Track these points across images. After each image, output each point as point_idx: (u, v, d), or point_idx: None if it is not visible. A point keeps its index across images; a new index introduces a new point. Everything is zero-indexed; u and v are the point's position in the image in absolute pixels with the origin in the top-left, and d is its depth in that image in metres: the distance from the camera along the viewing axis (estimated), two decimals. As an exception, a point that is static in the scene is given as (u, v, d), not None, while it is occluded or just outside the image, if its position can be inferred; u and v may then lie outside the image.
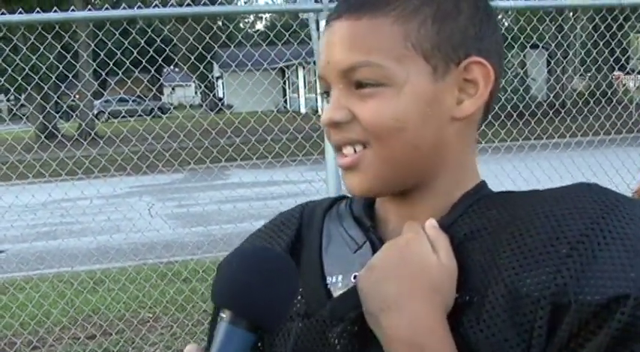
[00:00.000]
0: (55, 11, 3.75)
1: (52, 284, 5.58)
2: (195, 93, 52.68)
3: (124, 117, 5.49)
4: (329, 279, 0.88)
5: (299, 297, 0.87)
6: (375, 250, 0.83)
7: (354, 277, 0.84)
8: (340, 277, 0.87)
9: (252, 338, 0.72)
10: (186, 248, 6.38)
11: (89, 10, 4.05)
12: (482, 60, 0.80)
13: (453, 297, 0.76)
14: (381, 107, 0.78)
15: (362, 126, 0.79)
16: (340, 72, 0.80)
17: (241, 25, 51.44)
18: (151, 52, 4.59)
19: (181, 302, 5.20)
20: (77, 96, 20.67)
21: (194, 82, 46.97)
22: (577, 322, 0.68)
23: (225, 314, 0.72)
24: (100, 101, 26.13)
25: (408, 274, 0.76)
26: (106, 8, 4.71)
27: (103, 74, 4.85)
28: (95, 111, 22.05)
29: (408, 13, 0.78)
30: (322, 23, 3.54)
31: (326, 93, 0.84)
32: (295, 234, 0.95)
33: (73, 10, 3.92)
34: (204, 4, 4.09)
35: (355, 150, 0.81)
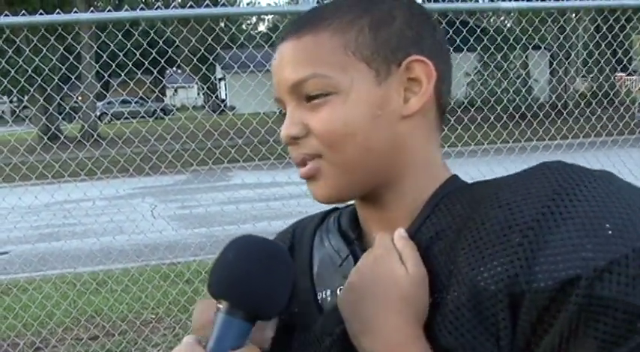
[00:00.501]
0: (58, 13, 3.77)
1: (55, 286, 5.59)
2: (198, 94, 52.74)
3: (126, 118, 5.49)
4: (319, 295, 0.91)
5: (295, 310, 0.90)
6: (357, 263, 0.85)
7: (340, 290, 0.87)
8: (329, 292, 0.91)
9: (249, 327, 0.73)
10: (189, 249, 6.39)
11: (92, 11, 4.04)
12: (420, 58, 0.83)
13: (426, 305, 0.77)
14: (331, 115, 0.82)
15: (315, 137, 0.83)
16: (289, 88, 0.84)
17: (244, 26, 51.45)
18: (154, 53, 4.60)
19: (184, 303, 5.20)
20: (80, 97, 20.72)
21: (197, 83, 47.04)
22: (534, 310, 0.68)
23: (222, 305, 0.73)
24: (102, 102, 26.18)
25: (380, 292, 0.78)
26: (109, 10, 4.75)
27: (106, 76, 4.87)
28: (98, 113, 22.13)
29: (345, 25, 0.83)
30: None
31: (284, 115, 0.88)
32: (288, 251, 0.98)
33: (75, 11, 3.92)
34: (207, 5, 4.09)
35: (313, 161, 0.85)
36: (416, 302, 0.77)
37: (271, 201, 6.48)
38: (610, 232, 0.67)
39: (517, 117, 5.50)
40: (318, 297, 0.91)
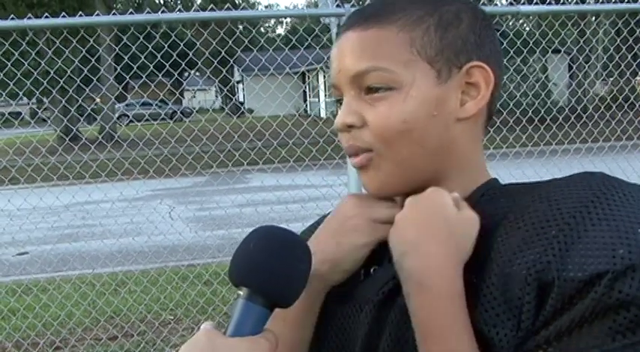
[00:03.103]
0: (80, 15, 3.80)
1: (75, 286, 5.64)
2: (216, 97, 52.93)
3: (147, 120, 5.55)
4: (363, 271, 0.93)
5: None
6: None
7: (374, 270, 0.92)
8: (362, 271, 0.93)
9: (268, 314, 0.75)
10: (208, 251, 6.41)
11: (114, 14, 4.07)
12: (482, 64, 0.86)
13: (470, 249, 0.80)
14: (390, 111, 0.83)
15: (371, 131, 0.85)
16: (351, 78, 0.86)
17: (262, 29, 51.60)
18: (175, 56, 4.63)
19: (203, 304, 5.22)
20: (100, 99, 20.87)
21: (216, 85, 47.21)
22: (561, 297, 0.71)
23: (242, 292, 0.75)
24: (122, 104, 26.38)
25: (425, 219, 0.82)
26: (130, 12, 4.78)
27: (127, 78, 4.90)
28: (117, 115, 22.28)
29: (412, 22, 0.84)
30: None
31: (339, 101, 0.90)
32: None
33: (98, 14, 3.95)
34: (227, 8, 4.12)
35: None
36: (459, 239, 0.80)
37: (290, 203, 6.48)
38: None
39: (537, 120, 5.47)
40: (361, 272, 0.93)
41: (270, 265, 0.75)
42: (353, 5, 3.74)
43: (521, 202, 0.81)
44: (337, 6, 3.86)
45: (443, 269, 0.78)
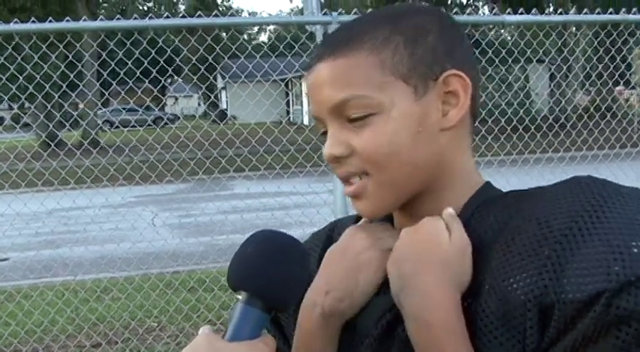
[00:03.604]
0: (67, 21, 3.78)
1: (58, 293, 5.60)
2: (199, 104, 52.83)
3: (125, 126, 5.53)
4: None
5: None
6: None
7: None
8: None
9: (266, 318, 0.76)
10: (193, 257, 6.40)
11: (100, 19, 4.05)
12: (457, 71, 0.85)
13: (468, 275, 0.80)
14: (375, 135, 0.83)
15: (361, 157, 0.85)
16: (330, 110, 0.85)
17: (245, 36, 51.59)
18: (161, 62, 4.63)
19: (187, 311, 5.21)
20: (81, 106, 20.74)
21: (198, 92, 47.11)
22: (563, 319, 0.71)
23: (241, 296, 0.75)
24: (103, 110, 26.24)
25: (420, 252, 0.82)
26: (118, 18, 4.73)
27: (114, 83, 4.87)
28: (99, 120, 22.14)
29: (379, 44, 0.84)
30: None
31: (324, 133, 0.89)
32: (326, 247, 1.00)
33: (85, 19, 3.92)
34: (215, 15, 4.11)
35: (360, 178, 0.87)
36: (456, 269, 0.80)
37: (276, 210, 6.49)
38: (636, 250, 0.70)
39: (520, 129, 5.51)
40: None
41: (268, 269, 0.75)
42: (340, 13, 3.75)
43: (510, 221, 0.80)
44: (324, 14, 3.88)
45: (442, 304, 0.78)
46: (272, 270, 0.75)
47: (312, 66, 0.88)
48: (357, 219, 1.04)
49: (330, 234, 1.06)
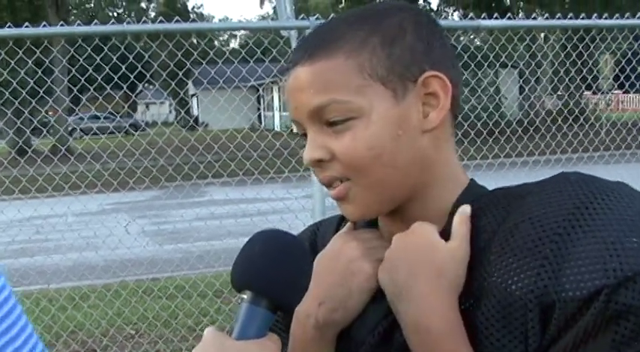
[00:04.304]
0: (44, 26, 3.75)
1: (36, 301, 5.59)
2: (170, 111, 52.54)
3: (96, 134, 5.52)
4: None
5: None
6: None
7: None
8: None
9: (271, 317, 0.76)
10: (171, 264, 6.42)
11: (62, 25, 4.03)
12: (436, 73, 0.84)
13: (462, 281, 0.81)
14: (355, 140, 0.82)
15: (341, 162, 0.84)
16: (309, 114, 0.85)
17: (216, 43, 51.54)
18: (140, 68, 4.65)
19: (167, 317, 5.24)
20: (50, 112, 20.54)
21: (167, 99, 46.88)
22: (563, 317, 0.72)
23: (246, 295, 0.76)
24: (73, 118, 25.96)
25: (413, 259, 0.82)
26: (80, 24, 4.66)
27: (76, 91, 4.85)
28: (68, 128, 21.92)
29: (357, 47, 0.83)
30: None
31: (303, 135, 0.89)
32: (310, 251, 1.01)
33: (45, 25, 3.88)
34: (185, 20, 4.13)
35: (342, 181, 0.86)
36: (451, 274, 0.80)
37: (254, 216, 6.50)
38: (636, 245, 0.71)
39: (486, 133, 5.59)
40: None
41: (273, 268, 0.75)
42: (317, 18, 3.73)
43: (506, 222, 0.80)
44: (302, 19, 3.92)
45: (438, 310, 0.78)
46: (276, 269, 0.75)
47: (289, 70, 0.87)
48: (340, 219, 1.04)
49: (313, 238, 1.06)
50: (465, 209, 0.85)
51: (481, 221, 0.84)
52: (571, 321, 0.72)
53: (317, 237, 1.06)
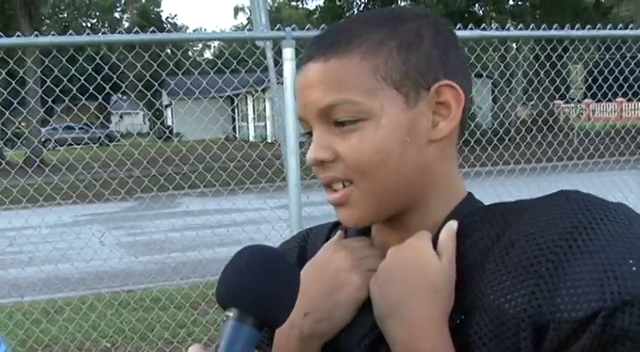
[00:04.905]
0: (18, 36, 3.72)
1: (10, 314, 5.51)
2: (144, 121, 52.30)
3: (70, 144, 5.47)
4: None
5: None
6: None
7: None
8: None
9: (257, 334, 0.74)
10: (148, 275, 6.38)
11: (36, 35, 4.00)
12: (450, 82, 0.83)
13: (452, 300, 0.79)
14: (362, 142, 0.80)
15: (345, 164, 0.82)
16: (318, 112, 0.82)
17: (190, 53, 51.45)
18: (116, 79, 4.63)
19: (143, 330, 5.19)
20: (23, 123, 20.34)
21: (142, 109, 46.66)
22: (557, 338, 0.70)
23: (231, 313, 0.73)
24: (46, 128, 25.71)
25: (408, 277, 0.80)
26: (54, 34, 4.62)
27: (49, 101, 4.83)
28: (42, 139, 21.69)
29: (373, 48, 0.81)
30: (286, 51, 3.63)
31: (308, 133, 0.87)
32: (297, 259, 1.00)
33: (19, 35, 3.85)
34: (160, 31, 4.11)
35: (344, 185, 0.84)
36: (443, 294, 0.78)
37: (231, 226, 6.50)
38: (634, 268, 0.69)
39: (461, 143, 5.64)
40: None
41: (258, 284, 0.74)
42: (293, 29, 3.75)
43: (502, 239, 0.78)
44: (277, 29, 3.93)
45: (429, 332, 0.77)
46: (263, 286, 0.74)
47: (302, 65, 0.85)
48: (332, 227, 1.02)
49: (303, 245, 1.03)
50: (452, 225, 0.84)
51: (474, 236, 0.82)
52: (565, 343, 0.70)
53: (307, 243, 1.03)
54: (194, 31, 73.78)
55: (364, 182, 0.82)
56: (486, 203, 0.90)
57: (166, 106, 42.25)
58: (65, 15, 59.29)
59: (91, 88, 4.55)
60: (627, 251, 0.70)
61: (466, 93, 0.85)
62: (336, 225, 1.01)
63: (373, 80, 0.81)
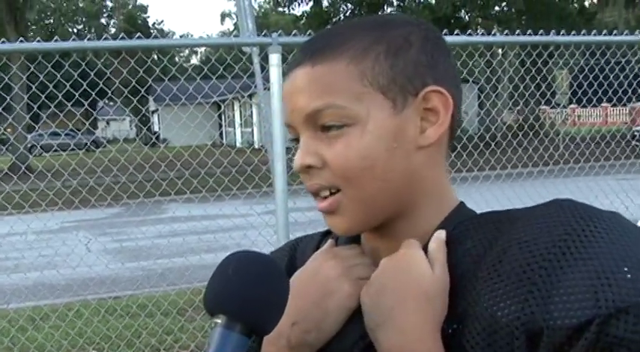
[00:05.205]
0: (3, 42, 3.71)
1: (-4, 322, 5.48)
2: (130, 127, 52.15)
3: (56, 151, 5.45)
4: None
5: None
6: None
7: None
8: None
9: (246, 341, 0.73)
10: (135, 282, 6.35)
11: (21, 41, 4.00)
12: (439, 88, 0.82)
13: (445, 310, 0.78)
14: (348, 149, 0.80)
15: (332, 171, 0.81)
16: (304, 117, 0.82)
17: (177, 59, 51.36)
18: (103, 85, 4.62)
19: (130, 337, 5.17)
20: (9, 129, 20.21)
21: (129, 115, 46.55)
22: (551, 346, 0.69)
23: (219, 320, 0.72)
24: (32, 134, 25.57)
25: (400, 286, 0.79)
26: (39, 40, 4.59)
27: (35, 107, 4.81)
28: (28, 145, 21.57)
29: (360, 53, 0.81)
30: (272, 57, 3.64)
31: (295, 140, 0.86)
32: (287, 269, 0.98)
33: (4, 41, 3.83)
34: (147, 37, 4.11)
35: (331, 192, 0.83)
36: (436, 303, 0.78)
37: (217, 232, 6.50)
38: (629, 276, 0.68)
39: (458, 147, 5.67)
40: None
41: (246, 291, 0.73)
42: (280, 34, 3.76)
43: (494, 243, 0.78)
44: (264, 36, 3.94)
45: (421, 341, 0.76)
46: (251, 292, 0.73)
47: (290, 71, 0.85)
48: (322, 236, 1.01)
49: (292, 254, 1.03)
50: (440, 234, 0.83)
51: (467, 244, 0.81)
52: (559, 351, 0.69)
53: (296, 253, 1.02)
54: (181, 36, 73.72)
55: (351, 189, 0.82)
56: (473, 208, 0.90)
57: (153, 112, 42.14)
58: (51, 21, 59.06)
59: (76, 94, 4.54)
60: (621, 258, 0.70)
61: (455, 99, 0.84)
62: (326, 234, 1.00)
63: (360, 85, 0.80)
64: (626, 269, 0.69)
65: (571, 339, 0.68)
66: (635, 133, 18.25)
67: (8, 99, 4.52)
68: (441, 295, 0.78)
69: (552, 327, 0.68)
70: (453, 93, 0.84)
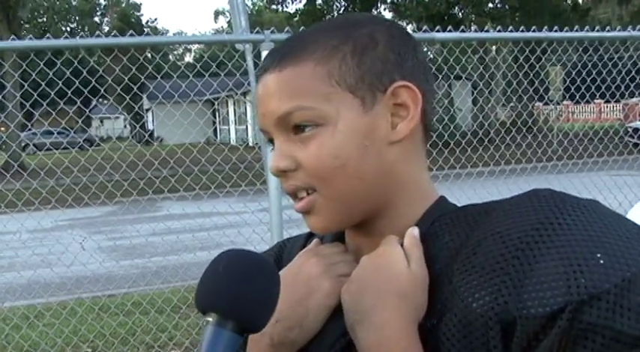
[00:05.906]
0: None
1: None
2: (124, 125, 52.03)
3: (49, 149, 5.45)
4: None
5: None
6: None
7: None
8: None
9: (238, 339, 0.73)
10: (129, 280, 6.34)
11: (14, 39, 3.99)
12: (406, 83, 0.83)
13: (424, 305, 0.79)
14: (320, 149, 0.81)
15: (306, 171, 0.83)
16: (276, 121, 0.83)
17: (170, 57, 51.26)
18: (97, 83, 4.61)
19: (124, 335, 5.17)
20: (2, 128, 20.14)
21: (122, 113, 46.41)
22: (525, 335, 0.69)
23: (211, 318, 0.72)
24: (25, 133, 25.50)
25: (379, 285, 0.80)
26: (31, 38, 4.57)
27: (28, 106, 4.80)
28: (21, 144, 21.50)
29: (327, 54, 0.82)
30: (264, 54, 3.65)
31: (270, 141, 0.88)
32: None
33: (14, 39, 3.85)
34: (140, 34, 4.12)
35: (308, 193, 0.84)
36: (414, 300, 0.79)
37: (211, 230, 6.49)
38: (602, 262, 0.68)
39: (441, 145, 5.67)
40: None
41: (238, 288, 0.73)
42: (272, 31, 3.75)
43: (470, 236, 0.79)
44: (256, 32, 3.93)
45: (399, 340, 0.77)
46: (242, 290, 0.73)
47: (260, 76, 0.86)
48: (307, 237, 1.02)
49: (279, 255, 1.04)
50: (413, 231, 0.84)
51: (444, 238, 0.82)
52: (534, 340, 0.69)
53: (283, 252, 1.04)
54: (174, 34, 73.60)
55: (326, 188, 0.83)
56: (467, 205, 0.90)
57: (147, 110, 42.06)
58: (44, 19, 58.83)
59: (69, 92, 4.53)
60: (594, 245, 0.69)
61: (425, 94, 0.85)
62: (313, 234, 1.01)
63: (327, 85, 0.82)
64: (599, 255, 0.68)
65: (545, 328, 0.68)
66: (629, 129, 18.34)
67: (0, 98, 4.49)
68: (417, 291, 0.79)
69: (525, 316, 0.68)
70: (422, 88, 0.85)
